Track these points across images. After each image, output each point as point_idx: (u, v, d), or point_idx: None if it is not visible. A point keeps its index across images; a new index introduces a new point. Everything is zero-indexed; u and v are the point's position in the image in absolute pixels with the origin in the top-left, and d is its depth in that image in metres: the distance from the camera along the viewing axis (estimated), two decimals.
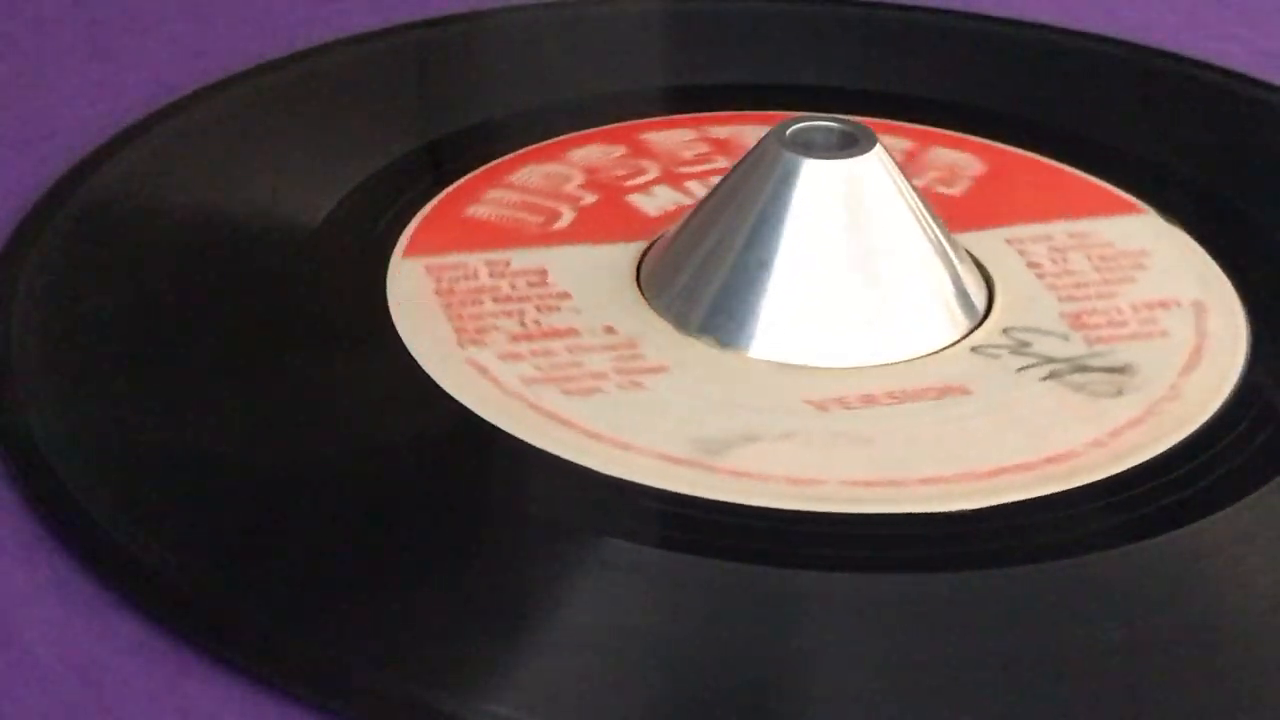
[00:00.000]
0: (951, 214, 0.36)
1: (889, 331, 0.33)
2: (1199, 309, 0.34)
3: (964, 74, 0.42)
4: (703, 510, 0.29)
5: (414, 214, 0.36)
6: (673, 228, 0.34)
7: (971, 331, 0.33)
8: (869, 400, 0.31)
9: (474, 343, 0.32)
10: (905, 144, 0.38)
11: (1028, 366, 0.32)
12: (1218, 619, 0.28)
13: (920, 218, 0.33)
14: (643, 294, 0.34)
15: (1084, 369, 0.32)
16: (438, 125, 0.39)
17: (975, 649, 0.27)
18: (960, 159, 0.38)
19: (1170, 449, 0.30)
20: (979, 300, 0.34)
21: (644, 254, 0.35)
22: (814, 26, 0.43)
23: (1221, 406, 0.31)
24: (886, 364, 0.32)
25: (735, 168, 0.34)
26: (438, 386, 0.31)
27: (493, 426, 0.30)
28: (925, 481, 0.30)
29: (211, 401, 0.31)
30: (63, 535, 0.28)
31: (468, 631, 0.27)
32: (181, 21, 0.44)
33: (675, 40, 0.44)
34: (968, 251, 0.35)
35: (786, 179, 0.33)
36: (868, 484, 0.29)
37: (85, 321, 0.33)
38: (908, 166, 0.37)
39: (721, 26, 0.43)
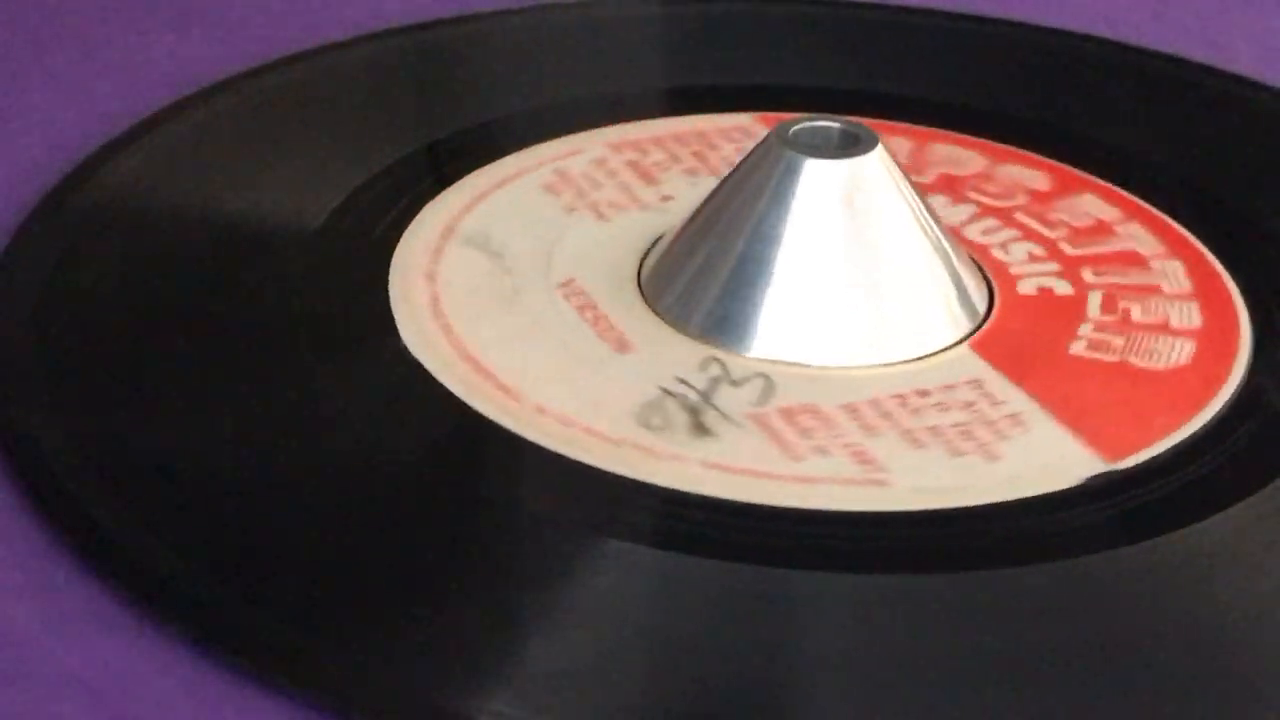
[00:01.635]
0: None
1: (890, 332, 0.32)
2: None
3: (971, 76, 0.42)
4: (704, 510, 0.29)
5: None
6: (674, 228, 0.34)
7: (971, 333, 0.33)
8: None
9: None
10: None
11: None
12: (1216, 619, 0.28)
13: (921, 218, 0.33)
14: (643, 293, 0.34)
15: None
16: (438, 126, 0.39)
17: (974, 649, 0.27)
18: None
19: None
20: (979, 301, 0.34)
21: (647, 251, 0.35)
22: (830, 27, 0.43)
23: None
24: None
25: (736, 167, 0.34)
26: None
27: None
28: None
29: (211, 402, 0.31)
30: (63, 537, 0.28)
31: (468, 631, 0.27)
32: (182, 22, 0.44)
33: (679, 41, 0.44)
34: (969, 254, 0.35)
35: (787, 179, 0.33)
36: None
37: (85, 322, 0.33)
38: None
39: (731, 27, 0.43)
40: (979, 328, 0.33)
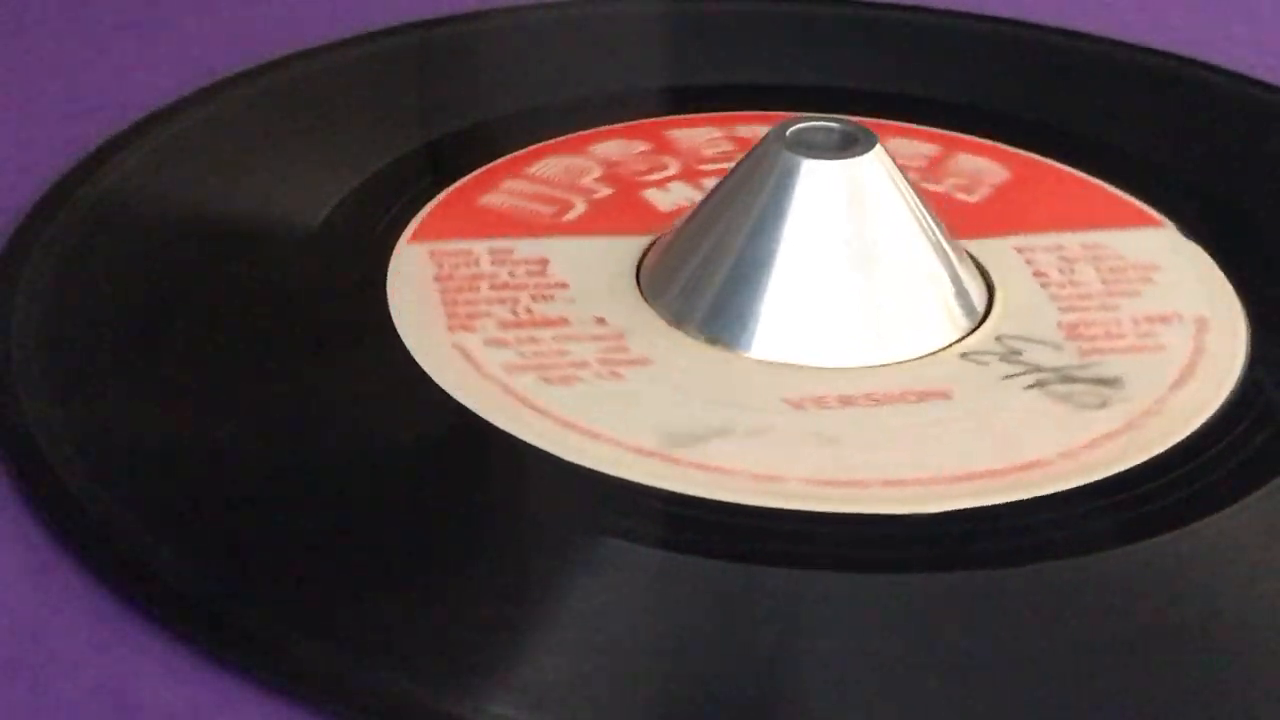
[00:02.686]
0: (965, 221, 0.35)
1: (887, 332, 0.32)
2: (1201, 325, 0.33)
3: (991, 79, 0.42)
4: (679, 506, 0.29)
5: (415, 213, 0.36)
6: (673, 227, 0.34)
7: (970, 333, 0.33)
8: (847, 401, 0.31)
9: (463, 328, 0.32)
10: (931, 149, 0.38)
11: (1015, 374, 0.32)
12: (1216, 619, 0.28)
13: (920, 219, 0.33)
14: (642, 293, 0.34)
15: (1071, 379, 0.32)
16: (439, 125, 0.39)
17: (973, 650, 0.27)
18: (984, 166, 0.38)
19: (1143, 463, 0.30)
20: (979, 302, 0.34)
21: (645, 252, 0.35)
22: (844, 28, 0.43)
23: (1204, 424, 0.31)
24: (873, 365, 0.32)
25: (736, 167, 0.34)
26: (439, 385, 0.31)
27: (471, 413, 0.30)
28: (888, 484, 0.29)
29: (211, 402, 0.31)
30: (62, 536, 0.28)
31: (467, 631, 0.27)
32: (182, 22, 0.44)
33: (685, 40, 0.44)
34: (969, 254, 0.35)
35: (786, 179, 0.33)
36: (829, 483, 0.29)
37: (86, 321, 0.33)
38: (930, 172, 0.37)
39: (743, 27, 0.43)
40: (977, 328, 0.33)
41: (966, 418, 0.31)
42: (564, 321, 0.33)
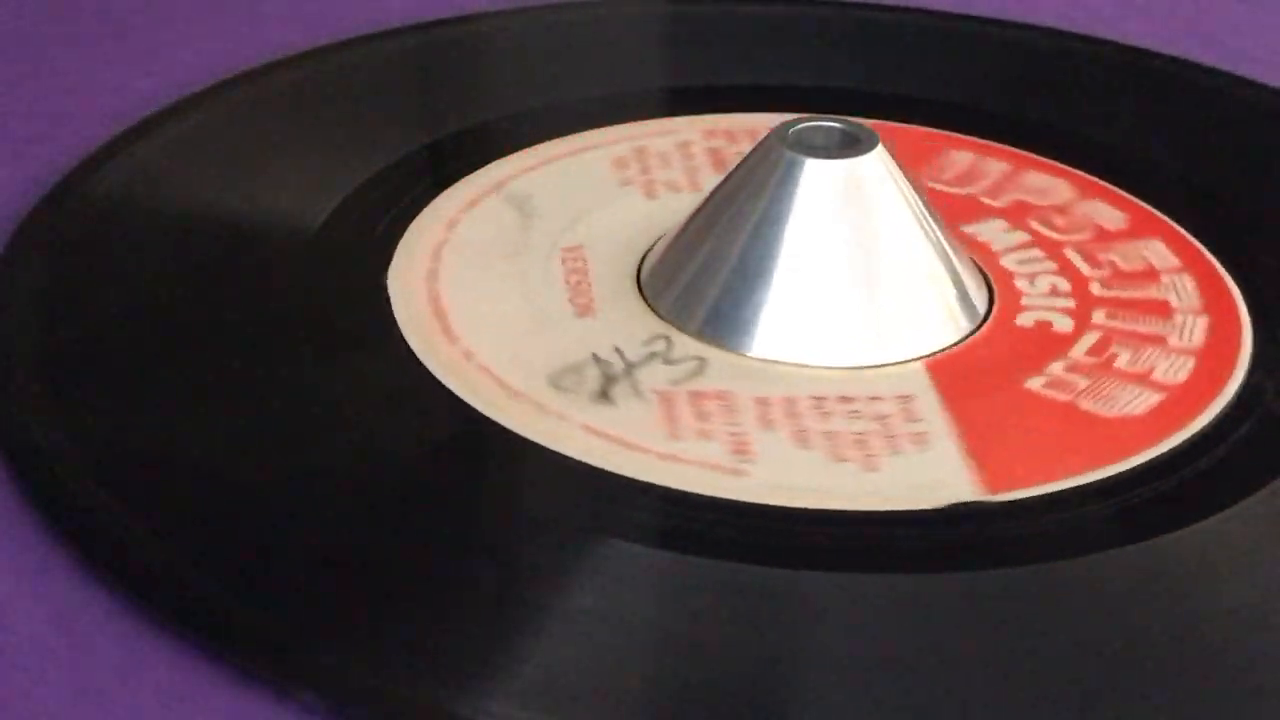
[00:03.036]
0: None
1: (888, 333, 0.32)
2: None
3: (990, 80, 0.42)
4: (678, 505, 0.29)
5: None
6: (674, 227, 0.34)
7: (970, 334, 0.33)
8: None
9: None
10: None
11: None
12: (1216, 619, 0.28)
13: (921, 218, 0.33)
14: (643, 293, 0.34)
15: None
16: (439, 126, 0.39)
17: (972, 650, 0.27)
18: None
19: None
20: (980, 301, 0.34)
21: (647, 252, 0.35)
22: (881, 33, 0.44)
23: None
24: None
25: (737, 167, 0.34)
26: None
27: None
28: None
29: (211, 402, 0.31)
30: (63, 538, 0.28)
31: (468, 631, 0.27)
32: (182, 23, 0.44)
33: (678, 41, 0.44)
34: (970, 256, 0.35)
35: (788, 179, 0.33)
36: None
37: (86, 323, 0.33)
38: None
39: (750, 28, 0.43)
40: (978, 328, 0.33)
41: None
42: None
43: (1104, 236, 0.36)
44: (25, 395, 0.31)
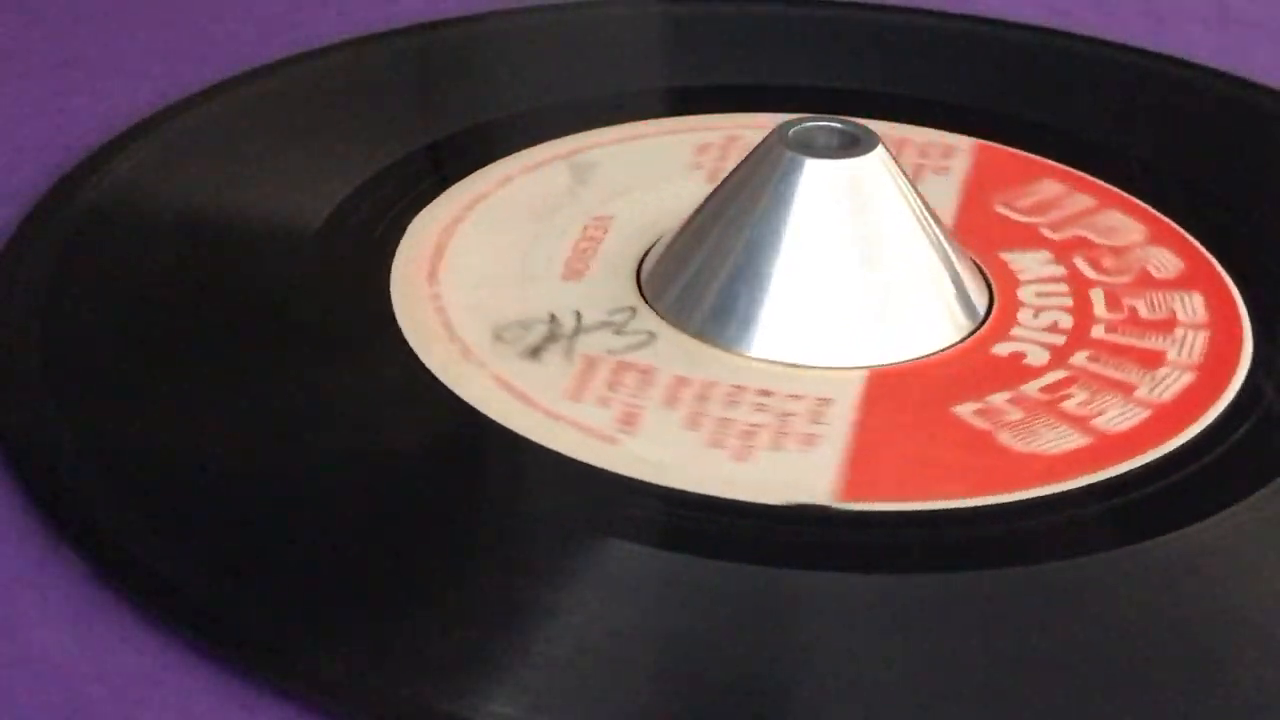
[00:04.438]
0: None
1: (887, 333, 0.32)
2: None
3: (993, 81, 0.42)
4: (676, 504, 0.29)
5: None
6: (674, 227, 0.34)
7: (969, 335, 0.33)
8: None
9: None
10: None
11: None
12: (1216, 619, 0.28)
13: (921, 219, 0.33)
14: (642, 292, 0.34)
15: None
16: (438, 126, 0.39)
17: (972, 650, 0.27)
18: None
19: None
20: (980, 302, 0.34)
21: (647, 251, 0.35)
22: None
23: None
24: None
25: (737, 168, 0.34)
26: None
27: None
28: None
29: (212, 403, 0.31)
30: (63, 537, 0.28)
31: (468, 631, 0.27)
32: (182, 23, 0.44)
33: (678, 40, 0.44)
34: (970, 257, 0.35)
35: (788, 179, 0.33)
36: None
37: (86, 323, 0.33)
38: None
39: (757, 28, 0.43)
40: (978, 329, 0.33)
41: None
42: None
43: (1146, 283, 0.35)
44: (25, 395, 0.31)
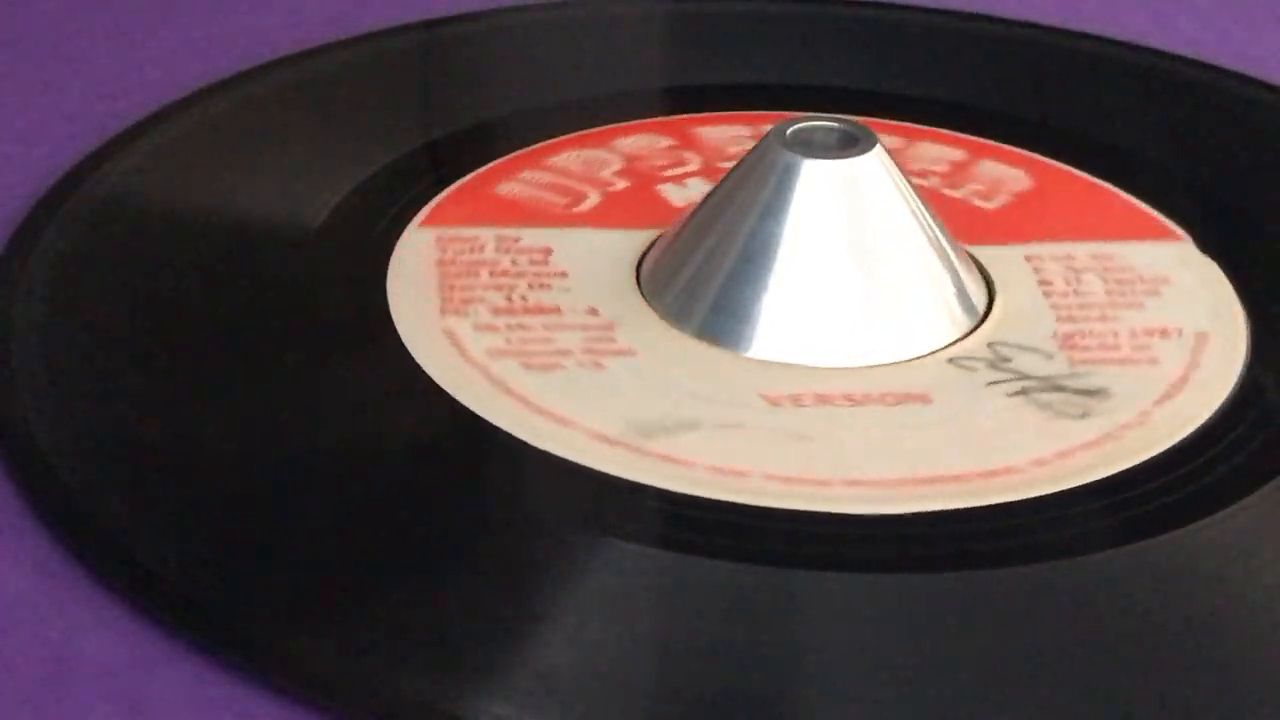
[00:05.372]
0: (979, 227, 0.35)
1: (887, 333, 0.32)
2: (1200, 340, 0.33)
3: (1017, 84, 0.42)
4: (672, 504, 0.29)
5: (416, 213, 0.36)
6: (673, 226, 0.34)
7: (966, 336, 0.33)
8: (823, 400, 0.31)
9: (455, 312, 0.33)
10: (956, 154, 0.38)
11: (999, 381, 0.32)
12: (1216, 619, 0.28)
13: (920, 219, 0.33)
14: (641, 291, 0.34)
15: (1057, 388, 0.32)
16: (439, 126, 0.39)
17: (972, 650, 0.27)
18: (1008, 174, 0.38)
19: (1119, 473, 0.30)
20: (979, 303, 0.34)
21: (648, 248, 0.35)
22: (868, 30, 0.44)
23: (1203, 427, 0.31)
24: (867, 366, 0.32)
25: (736, 167, 0.34)
26: (439, 385, 0.31)
27: (489, 423, 0.30)
28: (850, 483, 0.29)
29: (211, 402, 0.31)
30: (63, 536, 0.28)
31: (467, 631, 0.27)
32: (181, 22, 0.44)
33: (678, 40, 0.44)
34: (971, 256, 0.34)
35: (786, 179, 0.33)
36: (788, 480, 0.29)
37: (86, 321, 0.33)
38: (953, 177, 0.37)
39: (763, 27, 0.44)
40: (976, 329, 0.33)
41: (940, 423, 0.31)
42: (556, 310, 0.33)
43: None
44: (25, 394, 0.31)
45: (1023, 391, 0.32)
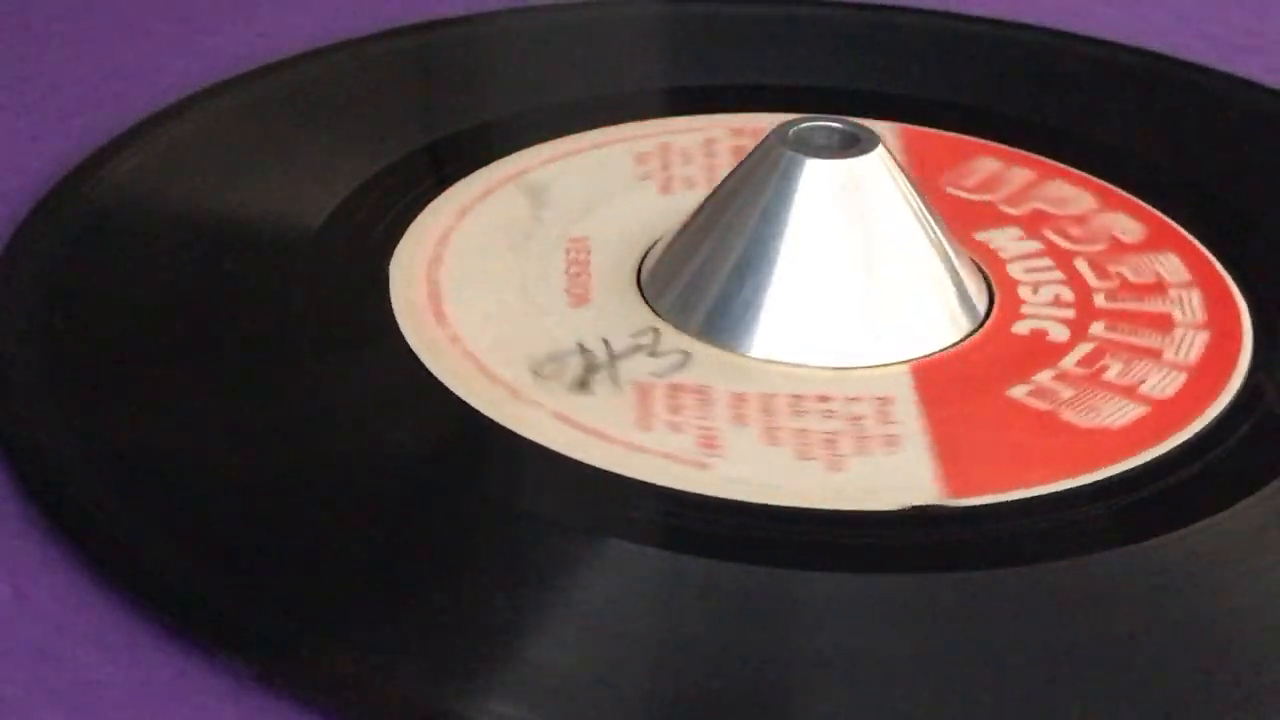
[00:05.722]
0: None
1: (887, 333, 0.32)
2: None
3: (993, 81, 0.42)
4: (701, 510, 0.29)
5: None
6: (674, 227, 0.34)
7: (970, 334, 0.33)
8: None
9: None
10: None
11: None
12: (1216, 619, 0.28)
13: (921, 218, 0.33)
14: (642, 292, 0.34)
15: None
16: (439, 126, 0.39)
17: (972, 649, 0.27)
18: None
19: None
20: (980, 302, 0.34)
21: (647, 251, 0.35)
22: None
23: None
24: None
25: (738, 167, 0.34)
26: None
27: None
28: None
29: (212, 402, 0.31)
30: (64, 538, 0.28)
31: (467, 631, 0.27)
32: (182, 23, 0.44)
33: (678, 40, 0.44)
34: (970, 256, 0.35)
35: (788, 179, 0.33)
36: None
37: (86, 323, 0.33)
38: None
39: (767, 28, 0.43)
40: (977, 329, 0.33)
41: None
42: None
43: (1118, 248, 0.36)
44: (25, 395, 0.31)
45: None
